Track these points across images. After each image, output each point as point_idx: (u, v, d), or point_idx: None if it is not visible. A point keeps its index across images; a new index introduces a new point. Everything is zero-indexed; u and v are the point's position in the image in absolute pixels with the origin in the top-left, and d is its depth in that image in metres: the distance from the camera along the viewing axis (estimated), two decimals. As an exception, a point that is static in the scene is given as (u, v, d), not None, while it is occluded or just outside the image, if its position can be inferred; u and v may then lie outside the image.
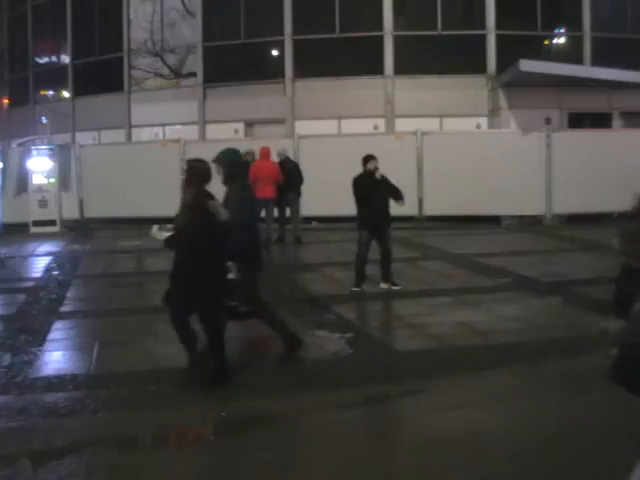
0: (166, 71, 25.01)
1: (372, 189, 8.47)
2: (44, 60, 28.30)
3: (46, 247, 14.27)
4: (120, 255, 12.99)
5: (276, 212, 13.85)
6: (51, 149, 18.00)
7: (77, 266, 11.66)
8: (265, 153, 13.33)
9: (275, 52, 22.63)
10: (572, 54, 21.75)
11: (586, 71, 20.52)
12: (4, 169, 18.03)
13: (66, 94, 26.16)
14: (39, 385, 5.33)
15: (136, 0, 24.13)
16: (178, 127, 23.07)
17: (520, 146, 16.15)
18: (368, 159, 8.66)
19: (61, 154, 18.04)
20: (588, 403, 4.66)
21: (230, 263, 5.45)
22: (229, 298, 5.63)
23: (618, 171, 15.23)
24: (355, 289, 8.61)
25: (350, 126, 20.21)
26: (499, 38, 21.55)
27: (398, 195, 8.69)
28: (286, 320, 7.24)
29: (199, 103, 22.88)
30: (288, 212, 14.03)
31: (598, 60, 21.28)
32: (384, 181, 8.63)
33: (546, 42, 22.40)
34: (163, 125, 23.47)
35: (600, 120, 20.69)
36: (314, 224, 15.92)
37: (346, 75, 21.38)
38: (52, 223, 17.18)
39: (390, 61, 21.66)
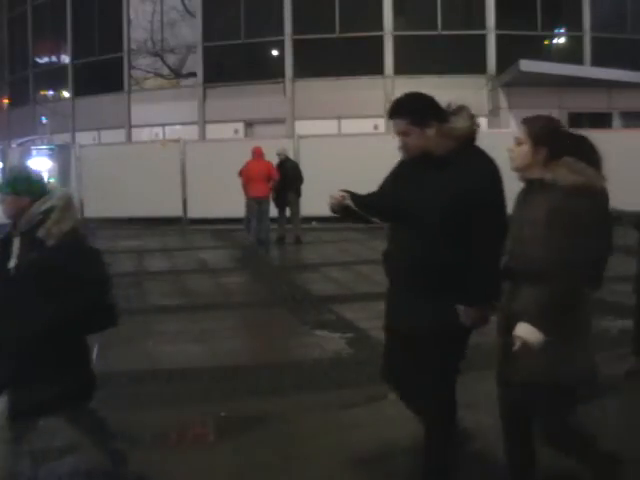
0: (166, 71, 25.04)
1: None
2: (44, 60, 28.32)
3: (46, 247, 14.25)
4: (120, 255, 12.98)
5: (276, 212, 13.87)
6: (51, 149, 18.01)
7: (77, 266, 11.64)
8: (258, 153, 13.34)
9: (275, 52, 22.64)
10: (572, 54, 21.78)
11: (586, 71, 20.55)
12: (4, 169, 18.04)
13: (66, 94, 26.18)
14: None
15: (136, 0, 24.15)
16: (178, 127, 23.09)
17: (520, 146, 16.15)
18: None
19: (61, 154, 18.05)
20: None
21: None
22: None
23: (618, 171, 15.19)
24: None
25: (350, 126, 20.23)
26: (499, 38, 21.58)
27: None
28: (286, 320, 7.25)
29: (199, 103, 22.90)
30: (288, 212, 14.04)
31: (598, 60, 21.30)
32: None
33: (546, 42, 22.42)
34: (163, 125, 23.49)
35: (600, 120, 20.71)
36: (314, 224, 15.92)
37: (346, 75, 21.40)
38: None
39: (390, 61, 21.68)
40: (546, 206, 2.88)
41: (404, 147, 3.23)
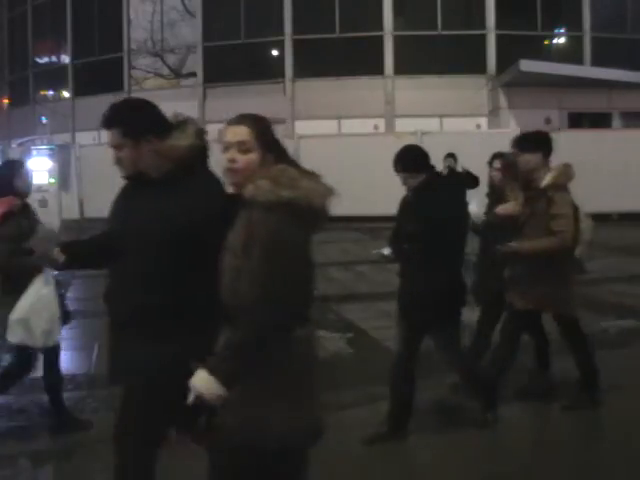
0: (166, 71, 25.05)
1: None
2: (44, 60, 28.33)
3: (46, 247, 14.25)
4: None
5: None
6: (51, 149, 18.01)
7: (77, 266, 11.64)
8: None
9: (275, 52, 22.66)
10: (572, 54, 21.80)
11: (586, 71, 20.56)
12: (4, 169, 18.05)
13: (66, 94, 26.18)
14: (39, 385, 5.32)
15: (136, 0, 24.16)
16: (178, 127, 23.09)
17: (520, 146, 16.16)
18: None
19: (61, 154, 18.06)
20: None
21: None
22: None
23: (618, 171, 15.22)
24: None
25: (350, 126, 20.24)
26: (499, 38, 21.59)
27: None
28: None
29: (199, 103, 22.90)
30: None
31: (598, 60, 21.31)
32: None
33: (546, 42, 22.44)
34: (163, 125, 23.49)
35: (600, 120, 20.73)
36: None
37: (346, 75, 21.41)
38: (52, 223, 17.19)
39: (390, 61, 21.69)
40: (242, 229, 2.24)
41: (118, 163, 2.64)
